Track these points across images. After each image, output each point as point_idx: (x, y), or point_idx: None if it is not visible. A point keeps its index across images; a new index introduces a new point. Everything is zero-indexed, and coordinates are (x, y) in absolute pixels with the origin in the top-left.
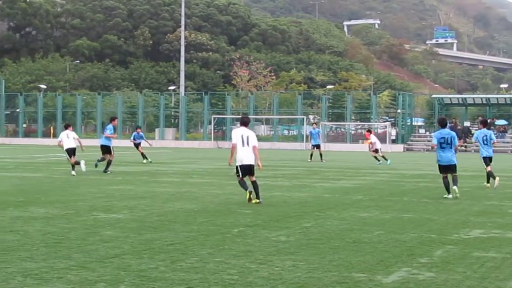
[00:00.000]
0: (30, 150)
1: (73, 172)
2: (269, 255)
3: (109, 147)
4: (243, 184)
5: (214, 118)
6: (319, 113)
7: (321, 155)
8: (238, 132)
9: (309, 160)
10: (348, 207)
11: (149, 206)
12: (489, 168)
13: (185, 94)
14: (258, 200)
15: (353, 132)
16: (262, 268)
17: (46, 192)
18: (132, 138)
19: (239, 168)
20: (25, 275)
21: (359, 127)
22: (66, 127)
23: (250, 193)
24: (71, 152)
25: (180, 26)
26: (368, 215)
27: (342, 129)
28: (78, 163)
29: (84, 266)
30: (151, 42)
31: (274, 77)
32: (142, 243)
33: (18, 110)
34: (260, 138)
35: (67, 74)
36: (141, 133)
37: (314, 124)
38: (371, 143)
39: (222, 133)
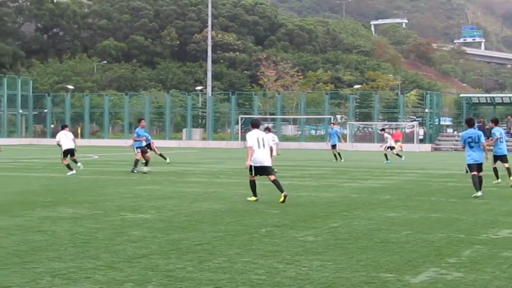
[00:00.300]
0: (57, 151)
1: (71, 172)
2: (296, 255)
3: (145, 147)
4: (253, 187)
5: (241, 118)
6: (346, 113)
7: (336, 154)
8: (253, 135)
9: (335, 161)
10: (375, 207)
11: (177, 206)
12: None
13: (212, 94)
14: (283, 198)
15: (380, 132)
16: (289, 268)
17: (74, 192)
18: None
19: (253, 168)
20: (53, 275)
21: (386, 126)
22: (63, 128)
23: (257, 201)
24: (70, 152)
25: (207, 26)
26: (395, 215)
27: (369, 129)
28: (76, 161)
29: (112, 266)
30: (178, 42)
31: (301, 77)
32: (170, 243)
33: (45, 110)
34: (287, 138)
35: (94, 74)
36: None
37: (331, 124)
38: (399, 145)
39: None
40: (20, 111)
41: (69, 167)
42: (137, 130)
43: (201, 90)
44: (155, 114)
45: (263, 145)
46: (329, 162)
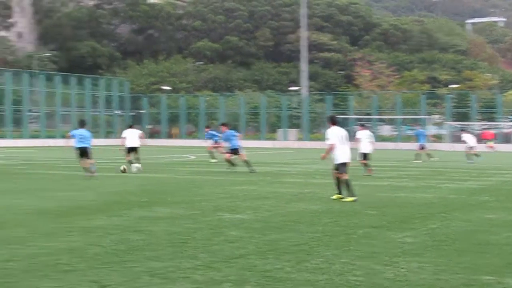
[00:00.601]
0: (154, 151)
1: (135, 167)
2: (394, 256)
3: (235, 149)
4: (339, 185)
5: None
6: (443, 113)
7: (424, 154)
8: (335, 132)
9: (421, 161)
10: (474, 208)
11: (273, 206)
12: None
13: (307, 95)
14: (337, 197)
15: (478, 132)
16: (387, 270)
17: (171, 193)
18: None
19: (337, 165)
20: (151, 274)
21: (484, 127)
22: (130, 127)
23: (341, 198)
24: (133, 150)
25: (301, 27)
26: (494, 217)
27: (467, 129)
28: (131, 162)
29: (210, 266)
30: (272, 43)
31: (396, 76)
32: (267, 243)
33: (142, 111)
34: (383, 139)
35: (189, 75)
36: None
37: (416, 125)
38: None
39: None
40: (117, 112)
41: (130, 162)
42: (225, 133)
43: (296, 91)
44: (250, 114)
45: (345, 142)
46: (426, 163)
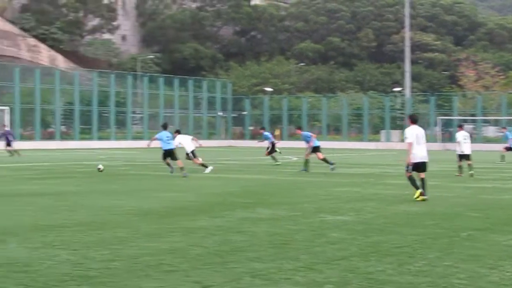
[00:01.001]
0: (255, 153)
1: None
2: (499, 259)
3: (316, 147)
4: (414, 182)
5: (440, 120)
6: None
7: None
8: (413, 131)
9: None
10: None
11: (376, 208)
12: None
13: (410, 96)
14: (426, 197)
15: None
16: (492, 273)
17: (272, 194)
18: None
19: (413, 164)
20: (253, 275)
21: None
22: (177, 132)
23: (421, 193)
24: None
25: (404, 27)
26: None
27: None
28: (189, 159)
29: (312, 268)
30: (375, 43)
31: (502, 77)
32: (369, 245)
33: (244, 113)
34: (488, 140)
35: (292, 76)
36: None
37: (503, 128)
38: None
39: (449, 135)
40: (219, 113)
41: (169, 165)
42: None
43: (399, 92)
44: (352, 115)
45: (422, 141)
46: None
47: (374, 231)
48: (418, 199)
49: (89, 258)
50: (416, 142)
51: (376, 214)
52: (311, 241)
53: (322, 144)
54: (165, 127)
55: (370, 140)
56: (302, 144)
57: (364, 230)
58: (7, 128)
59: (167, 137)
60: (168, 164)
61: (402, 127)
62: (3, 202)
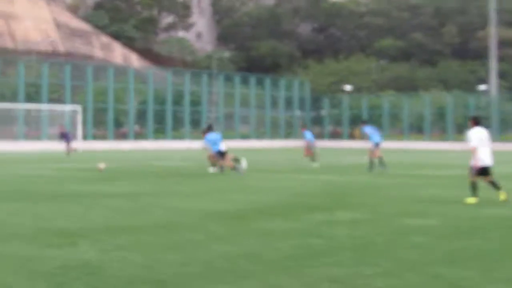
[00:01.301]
0: (336, 153)
1: (241, 170)
2: None
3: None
4: (475, 188)
5: None
6: None
7: None
8: (478, 133)
9: None
10: None
11: (462, 211)
12: None
13: (497, 94)
14: (504, 195)
15: None
16: None
17: (353, 196)
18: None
19: (480, 168)
20: (331, 280)
21: None
22: (209, 129)
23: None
24: (222, 154)
25: (490, 23)
26: None
27: None
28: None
29: (392, 273)
30: (459, 39)
31: None
32: (454, 250)
33: (323, 112)
34: None
35: (372, 74)
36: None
37: None
38: None
39: None
40: (297, 112)
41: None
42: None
43: (484, 90)
44: (435, 115)
45: (486, 144)
46: None
47: (460, 235)
48: (471, 202)
49: (161, 261)
50: (480, 145)
51: (462, 217)
52: (392, 245)
53: (405, 144)
54: (211, 128)
55: (454, 140)
56: (383, 144)
57: (449, 234)
58: (65, 130)
59: (215, 139)
60: (216, 165)
61: (488, 127)
62: (75, 203)
